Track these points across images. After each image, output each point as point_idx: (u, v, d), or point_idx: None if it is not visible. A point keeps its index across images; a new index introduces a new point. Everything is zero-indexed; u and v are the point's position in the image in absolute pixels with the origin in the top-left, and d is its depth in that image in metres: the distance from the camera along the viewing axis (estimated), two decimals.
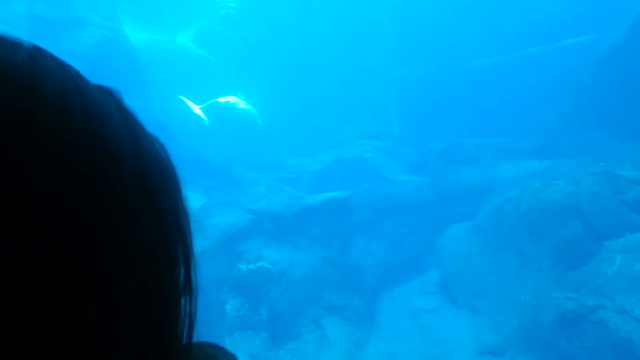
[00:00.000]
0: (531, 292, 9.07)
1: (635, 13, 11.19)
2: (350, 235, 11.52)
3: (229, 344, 9.15)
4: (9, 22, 10.90)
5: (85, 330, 0.43)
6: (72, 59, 0.52)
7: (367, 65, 16.90)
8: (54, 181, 0.42)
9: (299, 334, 9.70)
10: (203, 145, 14.30)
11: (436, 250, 11.42)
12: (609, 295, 7.96)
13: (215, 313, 9.62)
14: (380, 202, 12.32)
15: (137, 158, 0.49)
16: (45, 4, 11.96)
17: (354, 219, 11.67)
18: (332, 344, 9.47)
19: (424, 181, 12.85)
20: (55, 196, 0.42)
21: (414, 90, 15.73)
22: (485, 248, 10.51)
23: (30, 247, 0.40)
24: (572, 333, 8.10)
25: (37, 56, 0.47)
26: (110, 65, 10.94)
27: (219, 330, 9.41)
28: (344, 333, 9.70)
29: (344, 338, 9.60)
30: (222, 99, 16.34)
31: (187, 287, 0.54)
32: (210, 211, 11.05)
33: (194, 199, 11.13)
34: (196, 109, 16.20)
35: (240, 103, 16.51)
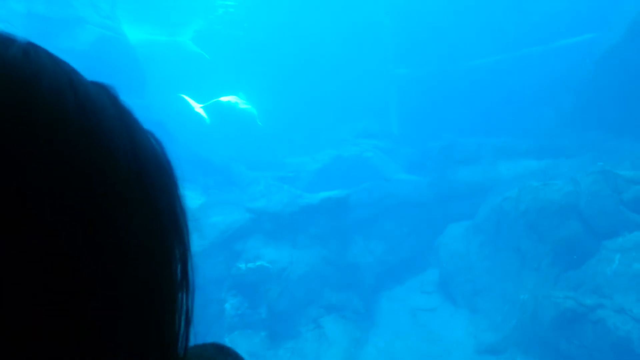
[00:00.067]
0: (530, 291, 9.08)
1: (634, 13, 11.20)
2: (349, 234, 11.52)
3: (228, 342, 9.10)
4: (7, 20, 10.88)
5: (86, 330, 0.42)
6: (70, 58, 0.52)
7: (367, 65, 16.89)
8: (53, 179, 0.41)
9: (298, 332, 9.71)
10: (202, 144, 14.30)
11: (435, 250, 11.43)
12: (607, 294, 7.97)
13: (215, 312, 9.62)
14: (379, 201, 12.31)
15: (134, 155, 0.49)
16: (44, 2, 11.96)
17: (353, 218, 11.68)
18: (332, 342, 9.48)
19: (423, 180, 12.85)
20: (55, 195, 0.41)
21: (414, 90, 15.73)
22: (485, 247, 10.52)
23: (30, 247, 0.40)
24: (571, 332, 8.11)
25: (30, 52, 0.46)
26: (108, 64, 10.95)
27: (218, 329, 9.42)
28: (343, 332, 9.71)
29: (343, 337, 9.60)
30: (224, 99, 16.37)
31: (184, 285, 0.54)
32: (209, 210, 11.05)
33: (193, 197, 11.12)
34: (197, 107, 16.21)
35: (241, 103, 16.55)
